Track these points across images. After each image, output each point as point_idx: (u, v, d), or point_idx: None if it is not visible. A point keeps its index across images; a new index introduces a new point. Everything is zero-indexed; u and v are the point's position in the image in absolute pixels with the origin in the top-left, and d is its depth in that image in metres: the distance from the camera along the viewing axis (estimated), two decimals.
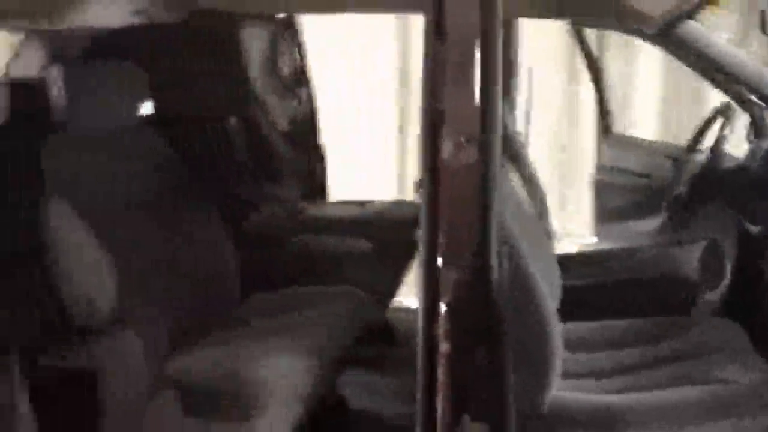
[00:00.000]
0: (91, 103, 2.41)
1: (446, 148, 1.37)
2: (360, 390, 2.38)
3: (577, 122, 5.22)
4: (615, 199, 3.62)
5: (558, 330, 1.68)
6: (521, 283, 1.58)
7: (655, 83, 5.32)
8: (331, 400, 2.35)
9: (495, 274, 1.35)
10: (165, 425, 1.92)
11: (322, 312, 2.20)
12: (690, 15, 2.59)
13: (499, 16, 1.42)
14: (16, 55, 3.16)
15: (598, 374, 1.88)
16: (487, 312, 1.36)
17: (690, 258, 2.81)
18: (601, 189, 3.71)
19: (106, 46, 2.89)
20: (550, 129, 5.37)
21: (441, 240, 1.35)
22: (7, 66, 3.20)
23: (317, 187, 3.54)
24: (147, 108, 2.87)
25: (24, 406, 1.85)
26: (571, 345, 2.01)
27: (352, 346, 2.18)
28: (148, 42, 2.90)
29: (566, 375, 1.85)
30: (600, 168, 3.80)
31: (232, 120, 3.30)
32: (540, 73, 5.29)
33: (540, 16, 2.96)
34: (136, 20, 2.74)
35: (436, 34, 1.38)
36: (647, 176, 3.51)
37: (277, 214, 3.09)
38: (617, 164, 3.66)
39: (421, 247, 1.37)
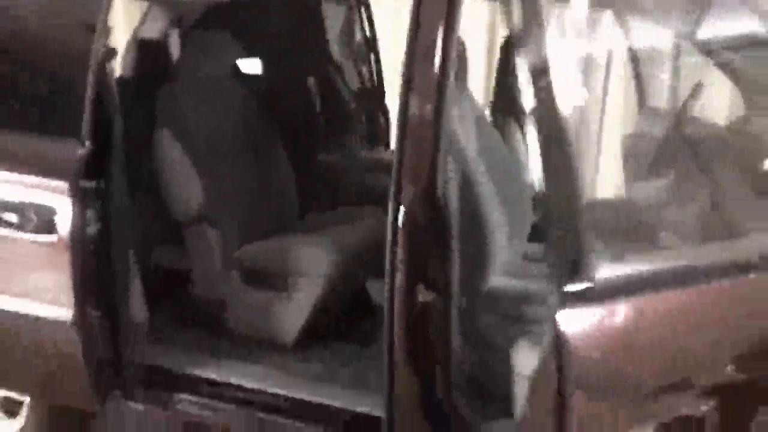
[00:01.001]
0: (198, 61, 3.15)
1: (412, 107, 2.03)
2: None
3: None
4: None
5: (500, 235, 2.32)
6: (474, 202, 2.24)
7: None
8: (361, 297, 3.06)
9: (442, 191, 2.01)
10: (232, 294, 2.70)
11: (350, 223, 2.92)
12: None
13: (459, 15, 2.05)
14: (144, 21, 3.96)
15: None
16: (435, 214, 2.02)
17: None
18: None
19: (213, 15, 3.63)
20: None
21: (406, 166, 2.02)
22: (137, 29, 4.00)
23: (381, 138, 4.24)
24: (241, 67, 3.62)
25: (139, 295, 2.62)
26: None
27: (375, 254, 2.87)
28: (246, 12, 3.61)
29: (520, 276, 2.49)
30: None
31: (311, 79, 4.03)
32: None
33: None
34: None
35: (413, 23, 2.04)
36: None
37: (340, 156, 3.81)
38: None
39: (393, 171, 2.04)
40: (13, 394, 2.78)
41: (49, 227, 2.24)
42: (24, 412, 2.83)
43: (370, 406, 2.28)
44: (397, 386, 2.06)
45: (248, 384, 2.48)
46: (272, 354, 2.62)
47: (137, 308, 2.53)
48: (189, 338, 2.70)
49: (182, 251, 2.83)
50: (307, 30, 3.96)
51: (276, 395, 2.44)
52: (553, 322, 1.44)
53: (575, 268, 1.44)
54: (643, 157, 4.16)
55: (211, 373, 2.53)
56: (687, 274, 1.52)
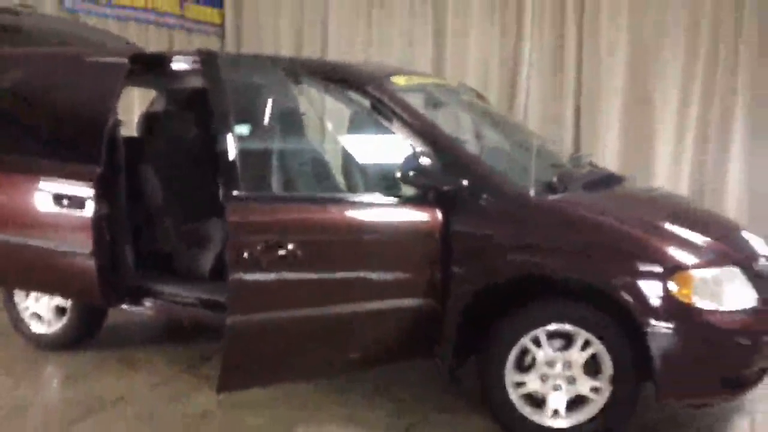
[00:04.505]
0: (175, 125, 5.58)
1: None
2: None
3: None
4: None
5: None
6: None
7: None
8: None
9: None
10: (177, 250, 5.06)
11: None
12: None
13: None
14: (153, 101, 6.41)
15: None
16: None
17: None
18: None
19: (188, 97, 6.06)
20: None
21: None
22: (149, 105, 6.45)
23: None
24: (197, 129, 6.03)
25: (130, 247, 4.94)
26: None
27: None
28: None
29: None
30: None
31: None
32: None
33: None
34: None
35: None
36: None
37: None
38: None
39: None
40: (61, 302, 5.20)
41: (82, 207, 4.60)
42: (68, 313, 5.25)
43: None
44: None
45: (185, 294, 4.79)
46: (196, 280, 4.96)
47: (128, 253, 4.88)
48: (155, 272, 5.05)
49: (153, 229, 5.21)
50: None
51: (199, 298, 4.72)
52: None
53: (234, 185, 3.74)
54: None
55: (166, 289, 4.85)
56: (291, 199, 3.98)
